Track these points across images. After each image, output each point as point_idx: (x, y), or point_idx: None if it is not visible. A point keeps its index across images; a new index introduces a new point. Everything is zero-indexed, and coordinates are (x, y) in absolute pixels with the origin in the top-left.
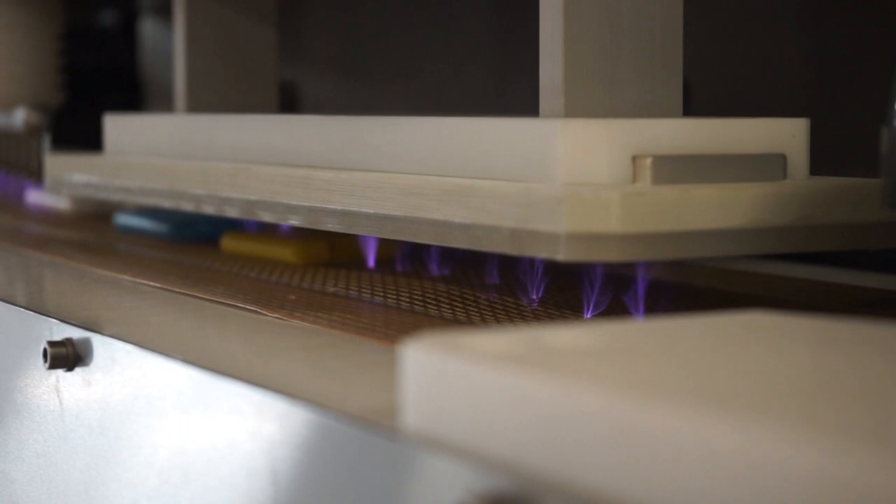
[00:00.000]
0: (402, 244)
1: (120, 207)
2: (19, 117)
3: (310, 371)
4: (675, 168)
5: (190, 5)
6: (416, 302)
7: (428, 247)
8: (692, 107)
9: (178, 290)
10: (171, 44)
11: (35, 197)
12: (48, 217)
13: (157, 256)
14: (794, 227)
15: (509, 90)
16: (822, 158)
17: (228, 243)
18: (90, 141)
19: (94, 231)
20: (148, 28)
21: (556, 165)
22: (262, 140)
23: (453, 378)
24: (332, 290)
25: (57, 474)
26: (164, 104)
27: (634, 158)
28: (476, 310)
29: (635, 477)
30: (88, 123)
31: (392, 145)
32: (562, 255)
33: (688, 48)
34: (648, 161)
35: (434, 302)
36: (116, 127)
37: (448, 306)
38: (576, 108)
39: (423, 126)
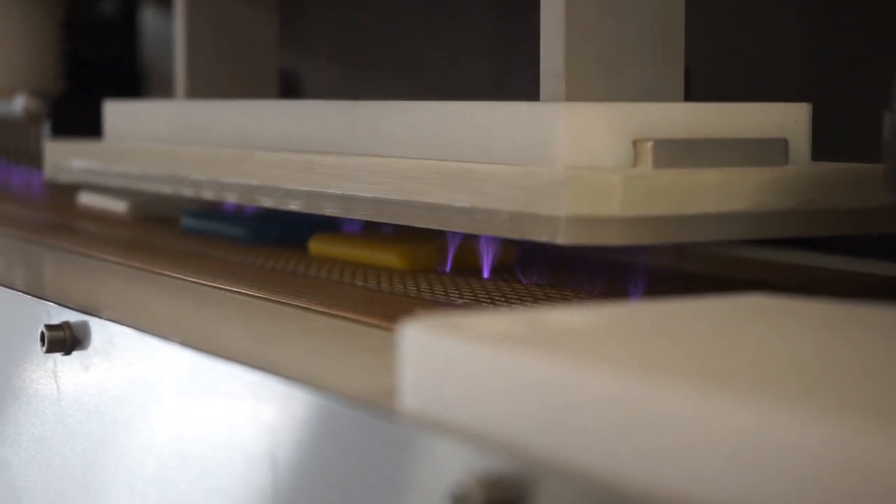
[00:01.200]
0: (517, 249)
1: (184, 206)
2: (19, 105)
3: (309, 354)
4: (676, 152)
5: None
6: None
7: (542, 252)
8: (694, 92)
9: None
10: (171, 32)
11: (88, 199)
12: (103, 220)
13: (221, 257)
14: (795, 211)
15: (510, 78)
16: (827, 143)
17: (319, 246)
18: (90, 128)
19: (158, 234)
20: (149, 16)
21: (557, 149)
22: (262, 125)
23: (452, 359)
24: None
25: (55, 458)
26: (165, 93)
27: (635, 142)
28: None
29: (635, 457)
30: (88, 111)
31: (392, 130)
32: (562, 238)
33: (690, 33)
34: (649, 145)
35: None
36: (116, 113)
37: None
38: (577, 93)
39: (423, 111)
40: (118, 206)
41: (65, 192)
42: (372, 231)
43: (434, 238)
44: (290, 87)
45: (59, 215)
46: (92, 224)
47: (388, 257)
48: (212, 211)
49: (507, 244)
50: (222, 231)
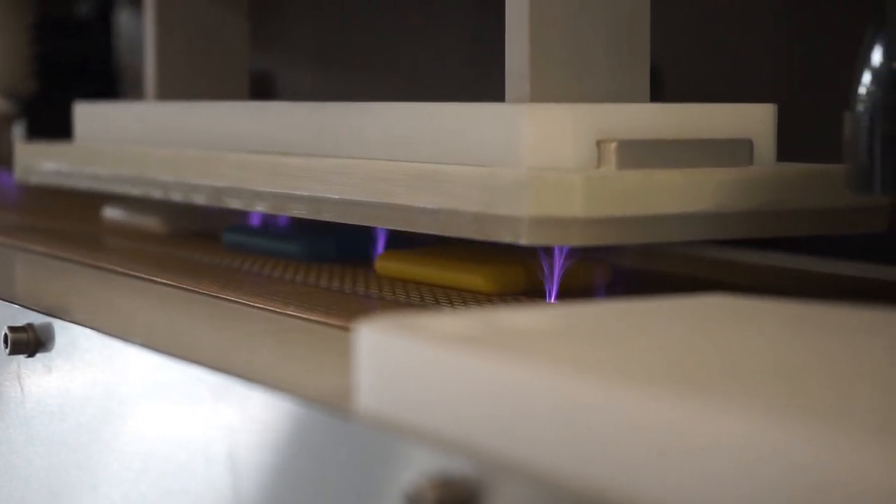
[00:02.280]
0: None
1: (224, 222)
2: None
3: (269, 355)
4: (641, 153)
5: None
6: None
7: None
8: (663, 93)
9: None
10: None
11: (114, 213)
12: (134, 236)
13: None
14: (760, 212)
15: (489, 78)
16: (797, 145)
17: (387, 265)
18: (65, 130)
19: (198, 251)
20: (124, 17)
21: (522, 150)
22: (231, 127)
23: (407, 360)
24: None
25: (18, 460)
26: (140, 93)
27: (599, 143)
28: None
29: (590, 458)
30: (63, 112)
31: (360, 131)
32: (525, 239)
33: (659, 33)
34: (613, 146)
35: None
36: (86, 115)
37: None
38: (542, 94)
39: (391, 112)
40: (150, 221)
41: (89, 204)
42: (448, 248)
43: (522, 255)
44: (264, 88)
45: (87, 228)
46: (126, 241)
47: (472, 279)
48: (259, 226)
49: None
50: (272, 248)
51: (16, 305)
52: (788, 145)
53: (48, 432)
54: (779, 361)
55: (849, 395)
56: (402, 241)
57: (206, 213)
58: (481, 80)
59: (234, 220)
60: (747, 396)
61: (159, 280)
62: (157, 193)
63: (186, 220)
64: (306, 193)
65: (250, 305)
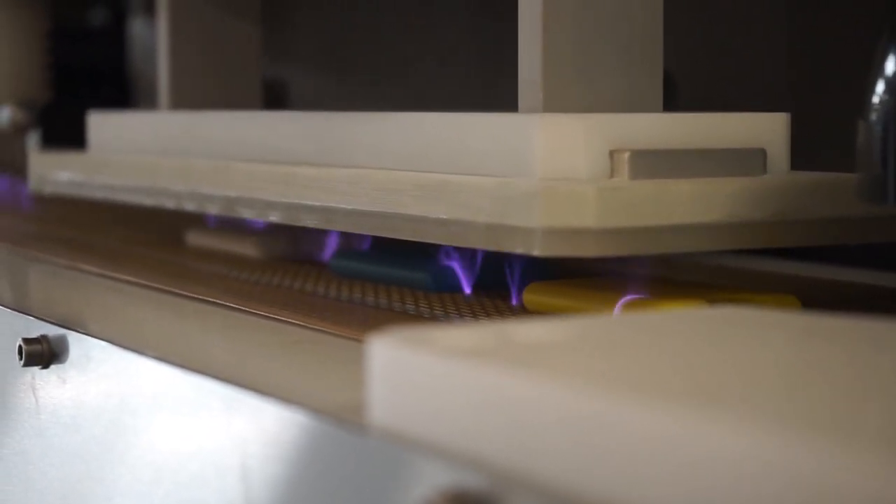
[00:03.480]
0: None
1: (319, 245)
2: (5, 115)
3: (283, 367)
4: (653, 163)
5: (174, 2)
6: None
7: None
8: (678, 101)
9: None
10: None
11: (200, 239)
12: (228, 262)
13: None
14: (773, 222)
15: (498, 85)
16: (813, 153)
17: (537, 299)
18: (80, 139)
19: (305, 279)
20: (137, 25)
21: (534, 160)
22: (243, 136)
23: (420, 373)
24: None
25: (34, 472)
26: (154, 103)
27: (612, 153)
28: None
29: (603, 473)
30: (77, 121)
31: (371, 141)
32: (538, 250)
33: (672, 42)
34: (626, 156)
35: None
36: (100, 125)
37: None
38: (555, 103)
39: (402, 122)
40: (245, 247)
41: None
42: (600, 280)
43: (691, 289)
44: (276, 96)
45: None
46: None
47: None
48: (371, 251)
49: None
50: (396, 276)
51: (30, 317)
52: (803, 154)
53: (62, 443)
54: (788, 374)
55: (856, 409)
56: (543, 272)
57: (305, 236)
58: (491, 87)
59: (329, 243)
60: (756, 410)
61: (173, 291)
62: (170, 203)
63: (284, 244)
64: (318, 203)
65: (264, 316)
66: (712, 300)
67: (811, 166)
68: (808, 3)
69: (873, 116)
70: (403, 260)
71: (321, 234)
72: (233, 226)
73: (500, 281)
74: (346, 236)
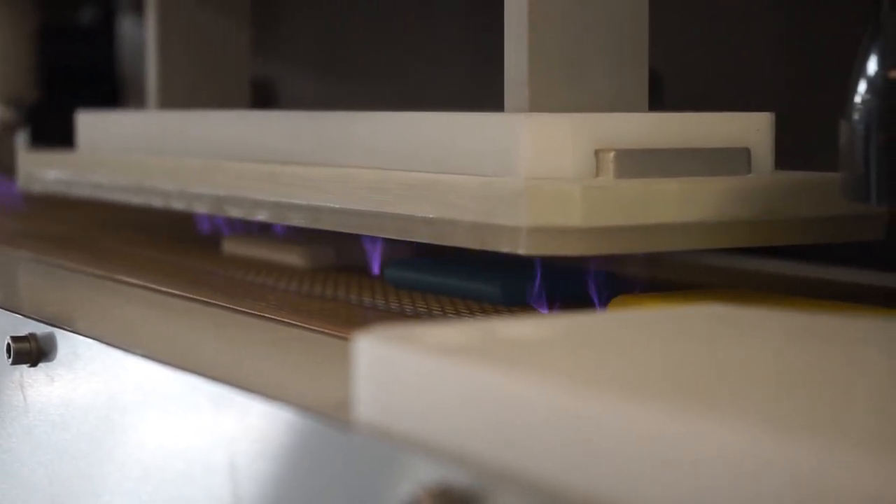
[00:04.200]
0: None
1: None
2: None
3: (270, 365)
4: (639, 162)
5: (163, 2)
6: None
7: None
8: (664, 100)
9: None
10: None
11: (237, 247)
12: (277, 273)
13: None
14: (757, 220)
15: (489, 84)
16: (800, 153)
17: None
18: (68, 137)
19: (360, 291)
20: (126, 24)
21: (520, 160)
22: (231, 135)
23: (406, 371)
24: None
25: (22, 470)
26: (142, 102)
27: (597, 152)
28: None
29: (589, 470)
30: (65, 120)
31: (358, 140)
32: (523, 249)
33: (659, 41)
34: (611, 155)
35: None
36: (89, 123)
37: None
38: (541, 103)
39: (389, 121)
40: (289, 256)
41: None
42: (694, 291)
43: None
44: (265, 96)
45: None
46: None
47: None
48: (427, 261)
49: None
50: (461, 289)
51: (18, 315)
52: (787, 153)
53: (50, 441)
54: (775, 372)
55: (844, 407)
56: (624, 285)
57: (351, 245)
58: (481, 87)
59: (378, 251)
60: (743, 408)
61: (160, 289)
62: (158, 202)
63: (330, 253)
64: (305, 202)
65: (251, 314)
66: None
67: (800, 165)
68: (794, 2)
69: (856, 116)
70: (468, 270)
71: (367, 241)
72: (271, 232)
73: (577, 294)
74: (392, 244)
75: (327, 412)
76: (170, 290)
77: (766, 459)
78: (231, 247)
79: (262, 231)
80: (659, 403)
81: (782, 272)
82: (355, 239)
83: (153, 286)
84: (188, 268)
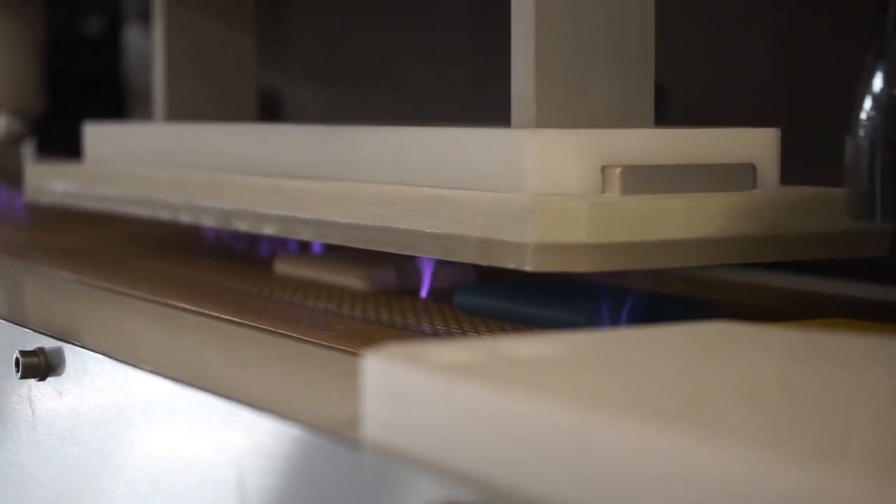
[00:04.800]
0: None
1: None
2: (1, 125)
3: (278, 381)
4: (645, 178)
5: (169, 13)
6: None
7: None
8: (670, 114)
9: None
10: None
11: (287, 267)
12: (335, 297)
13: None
14: (763, 236)
15: (492, 95)
16: (806, 168)
17: None
18: (74, 148)
19: (431, 317)
20: (132, 35)
21: (526, 176)
22: (239, 149)
23: (413, 389)
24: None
25: (29, 483)
26: (149, 111)
27: (604, 168)
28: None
29: (592, 487)
30: (72, 130)
31: (366, 155)
32: (530, 265)
33: (666, 56)
34: (618, 171)
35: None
36: (96, 135)
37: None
38: (547, 118)
39: (396, 136)
40: (349, 278)
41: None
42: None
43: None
44: (271, 107)
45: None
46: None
47: None
48: (501, 286)
49: None
50: (541, 317)
51: (27, 329)
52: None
53: (58, 455)
54: (777, 391)
55: (844, 427)
56: (712, 311)
57: (412, 267)
58: (484, 97)
59: (444, 276)
60: (743, 428)
61: (168, 303)
62: (165, 215)
63: (392, 275)
64: (312, 217)
65: (259, 329)
66: None
67: (802, 180)
68: (799, 19)
69: (860, 133)
70: (545, 296)
71: (425, 262)
72: (322, 252)
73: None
74: (450, 266)
75: (335, 429)
76: (175, 304)
77: (763, 479)
78: (283, 267)
79: (303, 249)
80: (661, 422)
81: (787, 286)
82: (415, 260)
83: (158, 300)
84: (197, 281)
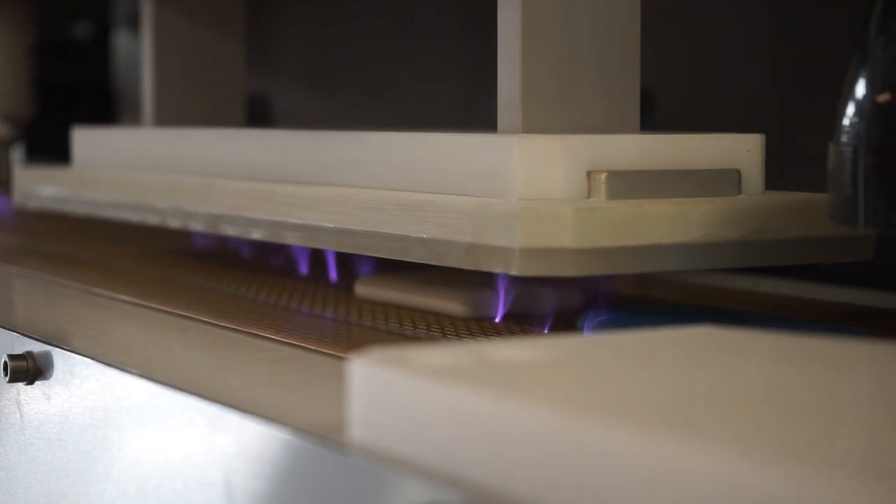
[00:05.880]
0: None
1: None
2: None
3: (266, 384)
4: (630, 183)
5: (158, 19)
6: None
7: None
8: (655, 120)
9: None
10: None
11: (368, 290)
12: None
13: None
14: (747, 241)
15: (480, 103)
16: (790, 174)
17: None
18: (63, 153)
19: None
20: (121, 41)
21: (513, 181)
22: (227, 154)
23: (399, 393)
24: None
25: (18, 487)
26: (138, 116)
27: (589, 174)
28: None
29: (577, 492)
30: (61, 136)
31: (353, 160)
32: (516, 269)
33: (651, 62)
34: (603, 176)
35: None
36: (85, 140)
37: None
38: (533, 124)
39: (384, 141)
40: (448, 304)
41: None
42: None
43: None
44: (260, 112)
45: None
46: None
47: None
48: (636, 312)
49: None
50: None
51: (15, 333)
52: (777, 173)
53: (47, 459)
54: (763, 395)
55: (830, 431)
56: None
57: (533, 294)
58: (471, 102)
59: (555, 299)
60: (730, 431)
61: (156, 307)
62: (154, 220)
63: (493, 299)
64: (300, 222)
65: (246, 333)
66: None
67: (783, 186)
68: (784, 25)
69: (844, 139)
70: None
71: (537, 286)
72: (402, 270)
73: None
74: (568, 290)
75: (322, 433)
76: (163, 308)
77: (749, 483)
78: (365, 290)
79: (381, 270)
80: (647, 426)
81: (772, 291)
82: (519, 283)
83: (146, 304)
84: (188, 285)
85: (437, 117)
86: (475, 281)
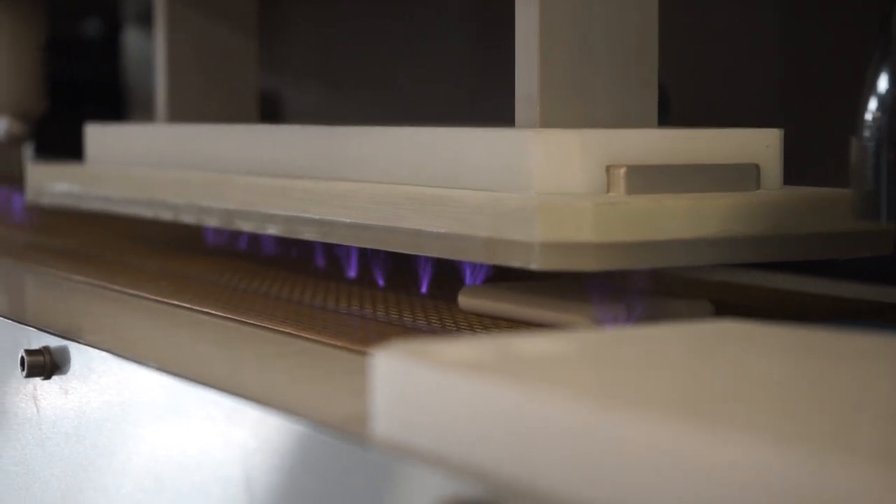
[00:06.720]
0: None
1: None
2: (2, 127)
3: (285, 378)
4: (649, 178)
5: (170, 15)
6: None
7: None
8: (671, 115)
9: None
10: (153, 54)
11: (475, 301)
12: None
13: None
14: (766, 236)
15: (490, 100)
16: (809, 168)
17: None
18: (74, 150)
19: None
20: (132, 38)
21: (531, 175)
22: (241, 150)
23: (422, 386)
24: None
25: (35, 482)
26: (148, 113)
27: (608, 168)
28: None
29: (602, 485)
30: (72, 132)
31: (369, 155)
32: (536, 264)
33: (669, 57)
34: (622, 171)
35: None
36: (97, 136)
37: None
38: (551, 119)
39: (400, 136)
40: (568, 315)
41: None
42: None
43: None
44: (272, 109)
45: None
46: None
47: None
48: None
49: None
50: None
51: (32, 328)
52: (797, 169)
53: (64, 454)
54: (784, 388)
55: (850, 422)
56: None
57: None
58: (484, 98)
59: (686, 309)
60: (752, 423)
61: (172, 302)
62: (167, 216)
63: (624, 310)
64: (316, 216)
65: (264, 328)
66: None
67: (802, 181)
68: (802, 18)
69: (866, 134)
70: None
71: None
72: (504, 285)
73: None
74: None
75: (343, 426)
76: (180, 303)
77: (771, 472)
78: (470, 302)
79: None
80: (671, 419)
81: (791, 287)
82: (645, 293)
83: (163, 299)
84: (200, 279)
85: (448, 112)
86: (588, 289)
